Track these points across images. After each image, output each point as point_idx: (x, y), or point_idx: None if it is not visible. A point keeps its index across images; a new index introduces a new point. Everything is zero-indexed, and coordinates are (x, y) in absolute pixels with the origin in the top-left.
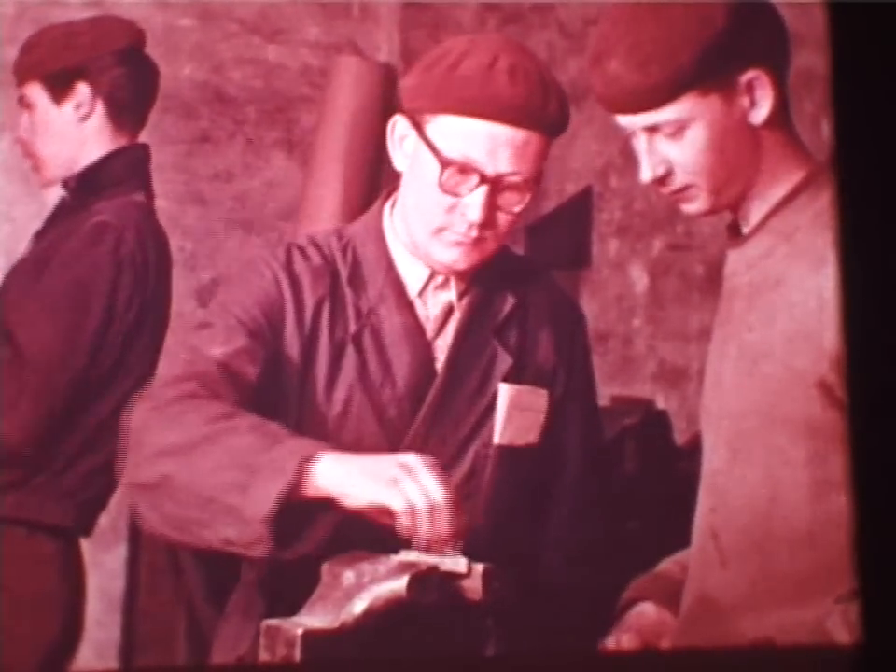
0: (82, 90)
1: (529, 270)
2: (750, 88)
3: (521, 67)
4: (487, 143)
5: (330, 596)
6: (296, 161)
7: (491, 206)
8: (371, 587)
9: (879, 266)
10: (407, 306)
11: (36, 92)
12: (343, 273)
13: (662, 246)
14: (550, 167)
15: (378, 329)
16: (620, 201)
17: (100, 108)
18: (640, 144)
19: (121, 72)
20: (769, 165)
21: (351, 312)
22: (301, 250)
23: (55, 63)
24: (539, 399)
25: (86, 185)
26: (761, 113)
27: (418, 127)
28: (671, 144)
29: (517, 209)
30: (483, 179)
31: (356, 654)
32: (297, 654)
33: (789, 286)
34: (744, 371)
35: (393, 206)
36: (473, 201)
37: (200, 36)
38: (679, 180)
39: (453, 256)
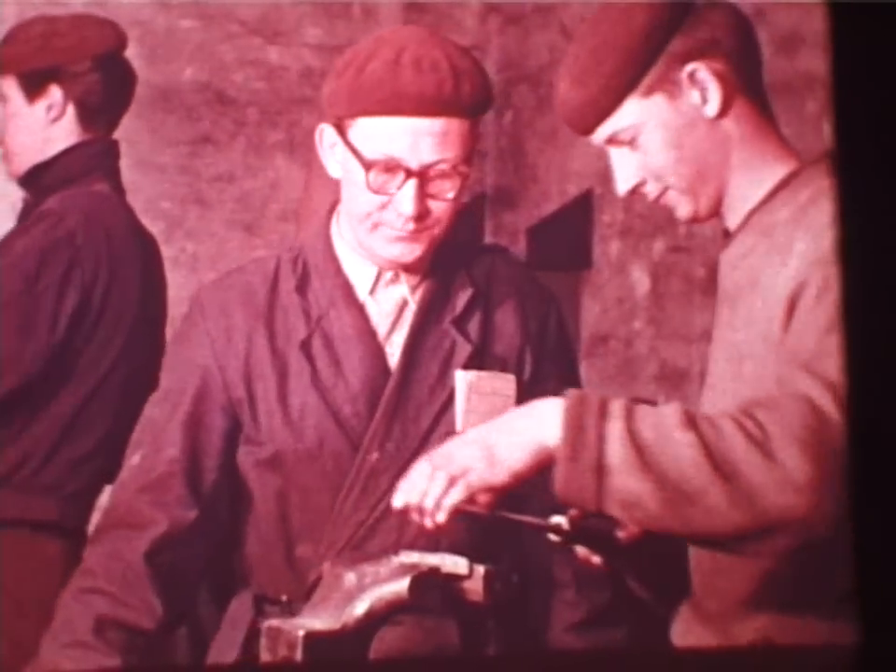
0: (54, 92)
1: (489, 256)
2: (697, 82)
3: (427, 57)
4: (407, 137)
5: (332, 598)
6: (297, 162)
7: (422, 198)
8: (372, 589)
9: (880, 266)
10: (356, 307)
11: (11, 87)
12: (292, 282)
13: (663, 248)
14: (551, 169)
15: (329, 332)
16: (621, 203)
17: (70, 111)
18: (611, 158)
19: (96, 78)
20: (743, 160)
21: (301, 319)
22: (241, 270)
23: (31, 61)
24: (504, 383)
25: (39, 181)
26: (712, 106)
27: (341, 133)
28: (633, 152)
29: (451, 195)
30: (410, 173)
31: (357, 655)
32: (298, 655)
33: (764, 283)
34: (730, 374)
35: (339, 212)
36: (404, 195)
37: (201, 38)
38: (652, 187)
39: (396, 251)
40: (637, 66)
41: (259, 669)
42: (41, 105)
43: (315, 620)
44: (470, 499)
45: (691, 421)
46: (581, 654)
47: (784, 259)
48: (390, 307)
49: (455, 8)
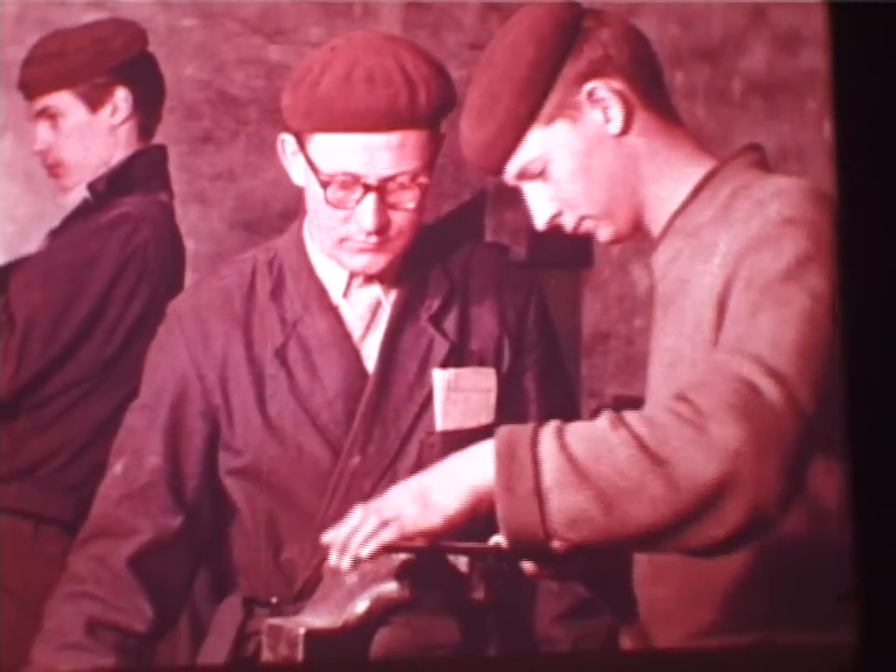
0: (120, 94)
1: (466, 248)
2: (596, 101)
3: (379, 70)
4: (363, 153)
5: (332, 596)
6: None
7: (383, 211)
8: (372, 587)
9: (879, 265)
10: (331, 311)
11: (66, 101)
12: (267, 286)
13: None
14: None
15: (304, 338)
16: None
17: (134, 112)
18: (525, 195)
19: (149, 75)
20: (655, 171)
21: (277, 325)
22: (216, 276)
23: (94, 69)
24: (483, 378)
25: (113, 185)
26: (615, 123)
27: (301, 145)
28: (545, 184)
29: (412, 205)
30: (368, 188)
31: (357, 654)
32: (299, 654)
33: (692, 286)
34: (663, 379)
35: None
36: (363, 210)
37: (202, 37)
38: (568, 217)
39: (362, 262)
40: (533, 97)
41: (255, 669)
42: (106, 110)
43: (316, 618)
44: (406, 541)
45: (620, 420)
46: (580, 654)
47: (709, 258)
48: (364, 309)
49: (455, 7)
